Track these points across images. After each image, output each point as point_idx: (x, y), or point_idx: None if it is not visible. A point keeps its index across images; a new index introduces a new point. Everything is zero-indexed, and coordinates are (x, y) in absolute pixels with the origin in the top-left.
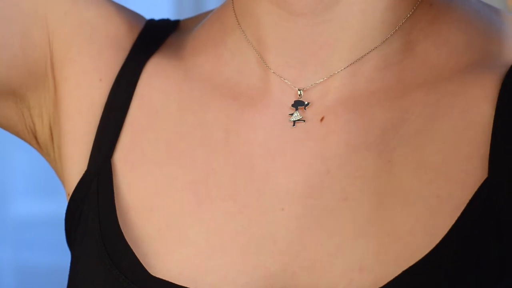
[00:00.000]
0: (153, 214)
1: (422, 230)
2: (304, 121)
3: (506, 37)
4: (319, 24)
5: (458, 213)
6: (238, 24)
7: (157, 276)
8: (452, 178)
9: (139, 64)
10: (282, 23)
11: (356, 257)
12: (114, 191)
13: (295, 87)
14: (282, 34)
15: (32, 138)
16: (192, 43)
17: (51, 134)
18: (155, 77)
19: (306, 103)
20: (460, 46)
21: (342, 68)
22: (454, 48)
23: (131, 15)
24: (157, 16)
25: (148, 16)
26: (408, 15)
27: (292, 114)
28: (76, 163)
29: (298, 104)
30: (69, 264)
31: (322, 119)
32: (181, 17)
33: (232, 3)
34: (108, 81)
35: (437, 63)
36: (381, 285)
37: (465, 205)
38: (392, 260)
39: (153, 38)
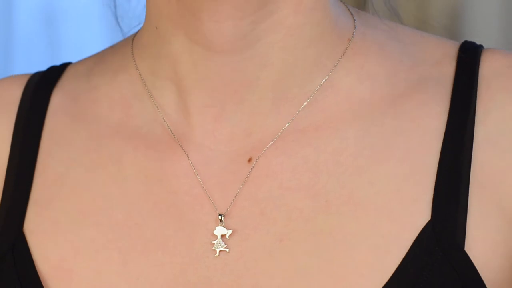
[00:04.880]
0: (75, 278)
1: (370, 269)
2: (227, 250)
3: (420, 64)
4: (240, 62)
5: (404, 253)
6: (152, 71)
7: None
8: (396, 219)
9: (32, 138)
10: (201, 62)
11: None
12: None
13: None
14: (201, 74)
15: None
16: (91, 94)
17: None
18: (56, 146)
19: (229, 231)
20: (381, 78)
21: (264, 107)
22: (376, 80)
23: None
24: None
25: None
26: (329, 52)
27: (217, 241)
28: None
29: (220, 232)
30: None
31: (249, 160)
32: None
33: (132, 52)
34: (1, 164)
35: (362, 97)
36: None
37: (410, 244)
38: None
39: (36, 106)
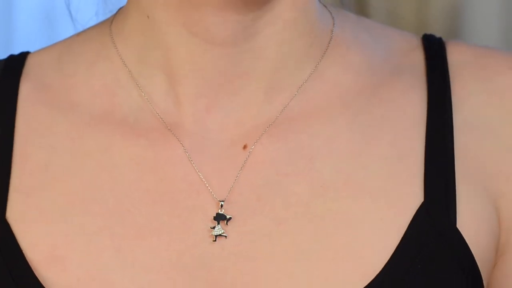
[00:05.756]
0: (68, 266)
1: (369, 252)
2: (226, 236)
3: (392, 55)
4: (238, 54)
5: (402, 233)
6: (139, 59)
7: None
8: (392, 201)
9: (6, 127)
10: (198, 53)
11: (302, 281)
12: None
13: (211, 125)
14: (197, 64)
15: None
16: (66, 82)
17: None
18: (34, 134)
19: (228, 217)
20: (363, 67)
21: (257, 97)
22: (358, 69)
23: None
24: None
25: None
26: (317, 44)
27: (216, 227)
28: None
29: (219, 218)
30: None
31: (245, 147)
32: None
33: (113, 40)
34: None
35: (347, 85)
36: None
37: (407, 225)
38: (342, 284)
39: (5, 95)
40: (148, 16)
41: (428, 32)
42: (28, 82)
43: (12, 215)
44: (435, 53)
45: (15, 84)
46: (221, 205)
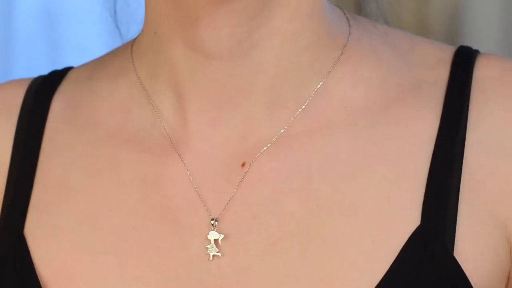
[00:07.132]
0: (76, 282)
1: (359, 274)
2: (219, 255)
3: (414, 69)
4: (235, 68)
5: (393, 258)
6: (150, 76)
7: None
8: (386, 224)
9: (33, 143)
10: (198, 68)
11: None
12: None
13: (214, 137)
14: (198, 80)
15: None
16: (92, 99)
17: None
18: (56, 151)
19: (221, 236)
20: (375, 83)
21: (259, 113)
22: (370, 85)
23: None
24: None
25: None
26: (324, 58)
27: (210, 245)
28: None
29: (213, 236)
30: None
31: (243, 165)
32: None
33: (132, 57)
34: (3, 168)
35: (356, 102)
36: None
37: (399, 249)
38: None
39: (37, 111)
40: (155, 32)
41: (428, 32)
42: (60, 99)
43: (29, 230)
44: (461, 67)
45: (47, 101)
46: (213, 224)
